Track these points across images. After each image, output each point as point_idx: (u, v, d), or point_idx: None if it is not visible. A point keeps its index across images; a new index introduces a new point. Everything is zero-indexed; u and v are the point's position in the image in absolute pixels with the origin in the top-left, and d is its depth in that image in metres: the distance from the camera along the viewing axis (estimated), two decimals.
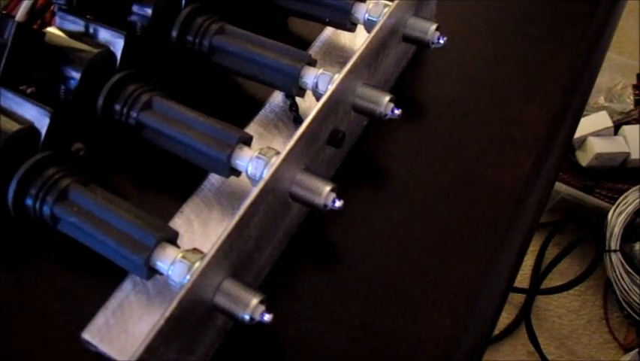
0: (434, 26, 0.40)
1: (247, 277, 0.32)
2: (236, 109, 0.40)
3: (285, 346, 0.33)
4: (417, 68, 0.45)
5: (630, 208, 1.11)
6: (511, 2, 0.49)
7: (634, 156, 1.16)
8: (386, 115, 0.37)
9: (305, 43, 0.43)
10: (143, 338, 0.26)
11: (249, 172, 0.33)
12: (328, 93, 0.34)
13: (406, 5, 0.40)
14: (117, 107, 0.35)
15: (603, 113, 1.20)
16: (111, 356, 0.31)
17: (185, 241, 0.34)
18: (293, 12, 0.43)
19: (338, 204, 0.33)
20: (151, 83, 0.37)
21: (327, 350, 0.33)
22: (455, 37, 0.45)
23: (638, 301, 1.08)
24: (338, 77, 0.35)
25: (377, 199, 0.38)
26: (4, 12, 0.40)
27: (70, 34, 0.37)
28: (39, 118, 0.34)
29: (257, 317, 0.29)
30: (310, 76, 0.37)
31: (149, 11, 0.38)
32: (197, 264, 0.29)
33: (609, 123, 1.18)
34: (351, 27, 0.41)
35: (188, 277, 0.29)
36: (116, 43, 0.37)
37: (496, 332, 1.14)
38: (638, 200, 1.11)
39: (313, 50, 0.43)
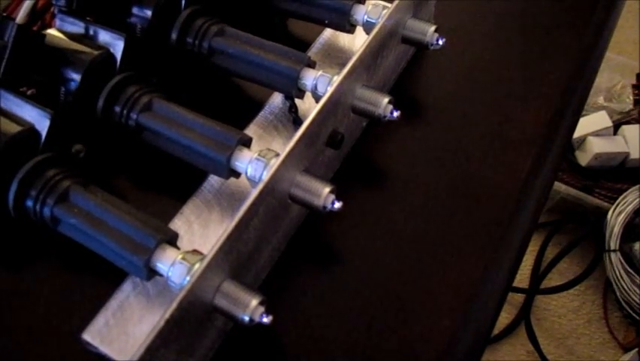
0: (433, 28, 0.40)
1: (247, 278, 0.33)
2: (235, 110, 0.40)
3: (284, 347, 0.33)
4: (416, 70, 0.45)
5: (630, 208, 1.11)
6: (510, 3, 0.49)
7: (633, 155, 1.16)
8: (385, 116, 0.37)
9: (304, 45, 0.43)
10: (143, 339, 0.26)
11: (248, 174, 0.33)
12: (327, 95, 0.34)
13: (404, 7, 0.40)
14: (117, 108, 0.36)
15: (602, 113, 1.20)
16: (111, 356, 0.31)
17: (184, 242, 0.34)
18: (292, 14, 0.43)
19: (337, 205, 0.33)
20: (151, 84, 0.37)
21: (327, 350, 0.33)
22: (454, 38, 0.45)
23: (637, 300, 1.08)
24: (337, 79, 0.35)
25: (376, 200, 0.38)
26: (4, 14, 0.40)
27: (71, 36, 0.37)
28: (39, 120, 0.34)
29: (256, 318, 0.29)
30: (309, 78, 0.37)
31: (148, 13, 0.38)
32: (197, 265, 0.29)
33: (608, 123, 1.18)
34: (350, 29, 0.41)
35: (188, 278, 0.29)
36: (116, 45, 0.37)
37: (496, 331, 1.14)
38: (637, 200, 1.12)
39: (312, 52, 0.43)
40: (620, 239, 1.11)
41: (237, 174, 0.34)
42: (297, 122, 0.40)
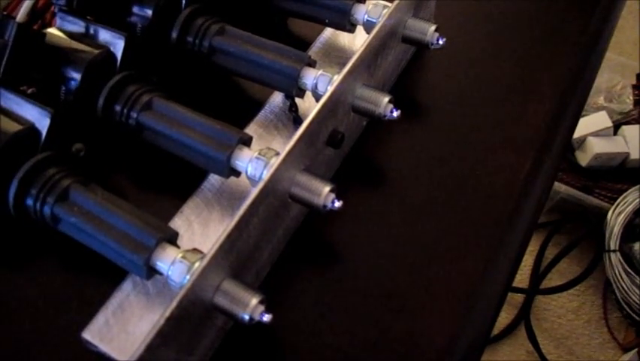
0: (433, 27, 0.40)
1: (247, 277, 0.33)
2: (235, 110, 0.40)
3: (284, 346, 0.33)
4: (416, 69, 0.45)
5: (629, 208, 1.11)
6: (511, 3, 0.49)
7: (633, 156, 1.16)
8: (385, 116, 0.37)
9: (304, 44, 0.43)
10: (144, 338, 0.26)
11: (248, 173, 0.33)
12: (328, 94, 0.34)
13: (405, 6, 0.40)
14: (117, 107, 0.36)
15: (602, 113, 1.20)
16: (111, 355, 0.31)
17: (185, 241, 0.34)
18: (292, 13, 0.43)
19: (337, 204, 0.33)
20: (151, 83, 0.37)
21: (327, 350, 0.33)
22: (454, 38, 0.45)
23: (637, 301, 1.08)
24: (337, 78, 0.35)
25: (376, 200, 0.38)
26: (4, 13, 0.40)
27: (71, 35, 0.37)
28: (39, 119, 0.34)
29: (256, 317, 0.29)
30: (310, 77, 0.37)
31: (149, 12, 0.38)
32: (197, 264, 0.29)
33: (608, 123, 1.18)
34: (350, 28, 0.41)
35: (188, 277, 0.29)
36: (117, 44, 0.37)
37: (496, 331, 1.14)
38: (637, 200, 1.11)
39: (313, 51, 0.43)
40: (620, 239, 1.11)
41: (237, 173, 0.34)
42: (298, 121, 0.40)
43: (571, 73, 0.45)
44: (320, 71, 0.37)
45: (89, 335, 0.31)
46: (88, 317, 0.31)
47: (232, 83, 0.43)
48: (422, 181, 0.39)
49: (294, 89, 0.37)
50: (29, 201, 0.32)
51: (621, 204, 1.13)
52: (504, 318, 1.15)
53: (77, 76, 0.35)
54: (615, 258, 1.10)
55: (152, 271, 0.30)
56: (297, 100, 0.39)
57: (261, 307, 0.29)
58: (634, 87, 1.23)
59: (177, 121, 0.35)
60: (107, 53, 0.36)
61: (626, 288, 1.09)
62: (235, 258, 0.30)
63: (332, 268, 0.36)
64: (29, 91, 0.36)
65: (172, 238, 0.31)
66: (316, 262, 0.36)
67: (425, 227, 0.37)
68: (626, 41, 1.38)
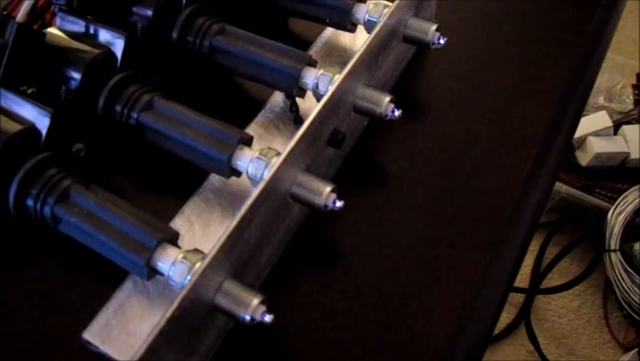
0: (434, 27, 0.40)
1: (248, 277, 0.33)
2: (236, 109, 0.40)
3: (285, 346, 0.33)
4: (417, 69, 0.45)
5: (630, 208, 1.11)
6: (511, 2, 0.49)
7: (633, 155, 1.16)
8: (386, 115, 0.37)
9: (305, 44, 0.43)
10: (144, 338, 0.26)
11: (249, 173, 0.33)
12: (329, 94, 0.34)
13: (406, 6, 0.40)
14: (118, 107, 0.35)
15: (603, 113, 1.20)
16: (112, 356, 0.31)
17: (185, 241, 0.34)
18: (293, 12, 0.43)
19: (338, 204, 0.33)
20: (152, 83, 0.37)
21: (327, 349, 0.33)
22: (455, 37, 0.45)
23: (637, 300, 1.08)
24: (338, 78, 0.35)
25: (377, 199, 0.38)
26: (4, 13, 0.40)
27: (71, 34, 0.37)
28: (40, 119, 0.34)
29: (257, 318, 0.29)
30: (311, 76, 0.37)
31: (149, 12, 0.38)
32: (197, 264, 0.29)
33: (609, 123, 1.18)
34: (351, 28, 0.41)
35: (188, 277, 0.29)
36: (117, 44, 0.37)
37: (496, 331, 1.14)
38: (637, 200, 1.11)
39: (313, 51, 0.43)
40: (620, 239, 1.11)
41: (238, 173, 0.34)
42: (298, 121, 0.39)
43: (572, 73, 0.45)
44: (321, 71, 0.37)
45: (89, 335, 0.31)
46: (88, 317, 0.31)
47: (233, 83, 0.43)
48: (423, 181, 0.39)
49: (294, 89, 0.37)
50: (29, 202, 0.32)
51: (621, 203, 1.12)
52: (504, 318, 1.15)
53: (77, 76, 0.35)
54: (615, 258, 1.10)
55: (152, 272, 0.30)
56: (298, 100, 0.39)
57: (262, 308, 0.29)
58: (634, 87, 1.23)
59: (178, 121, 0.35)
60: (107, 52, 0.36)
61: (626, 288, 1.09)
62: (236, 258, 0.30)
63: (332, 268, 0.36)
64: (29, 91, 0.36)
65: (173, 239, 0.31)
66: (317, 262, 0.36)
67: (426, 227, 0.37)
68: (626, 41, 1.38)
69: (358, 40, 0.44)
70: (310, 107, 0.38)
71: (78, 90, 0.35)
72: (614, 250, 1.11)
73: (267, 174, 0.31)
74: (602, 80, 1.23)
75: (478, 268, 0.35)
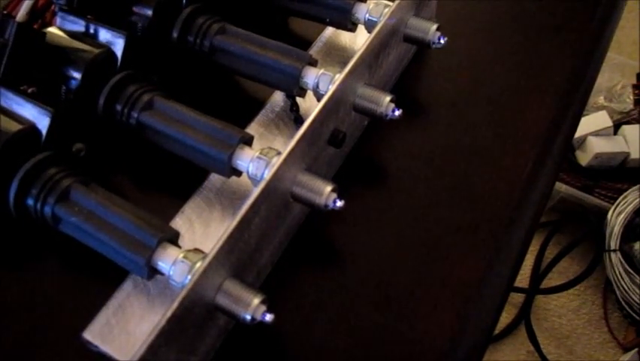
0: (435, 26, 0.40)
1: (248, 277, 0.33)
2: (237, 109, 0.40)
3: (285, 346, 0.33)
4: (417, 68, 0.45)
5: (630, 208, 1.11)
6: (512, 2, 0.49)
7: (634, 155, 1.16)
8: (387, 115, 0.37)
9: (305, 44, 0.43)
10: (145, 338, 0.26)
11: (250, 172, 0.33)
12: (329, 93, 0.34)
13: (406, 5, 0.40)
14: (118, 107, 0.35)
15: (603, 113, 1.20)
16: (112, 355, 0.31)
17: (186, 241, 0.34)
18: (294, 12, 0.43)
19: (339, 204, 0.33)
20: (152, 83, 0.37)
21: (328, 349, 0.33)
22: (456, 37, 0.45)
23: (637, 300, 1.08)
24: (339, 78, 0.35)
25: (378, 199, 0.38)
26: (4, 12, 0.40)
27: (71, 34, 0.37)
28: (40, 118, 0.34)
29: (258, 317, 0.29)
30: (311, 76, 0.37)
31: (149, 11, 0.38)
32: (198, 264, 0.29)
33: (609, 123, 1.18)
34: (351, 27, 0.41)
35: (189, 277, 0.29)
36: (117, 44, 0.37)
37: (496, 331, 1.14)
38: (637, 200, 1.11)
39: (314, 50, 0.43)
40: (620, 239, 1.11)
41: (239, 173, 0.34)
42: (299, 120, 0.39)
43: (572, 72, 0.45)
44: (321, 71, 0.37)
45: (89, 335, 0.31)
46: (88, 317, 0.31)
47: (233, 83, 0.43)
48: (423, 181, 0.39)
49: (295, 89, 0.37)
50: (30, 201, 0.32)
51: (621, 203, 1.13)
52: (504, 318, 1.15)
53: (78, 75, 0.35)
54: (615, 258, 1.10)
55: (153, 271, 0.30)
56: (298, 99, 0.39)
57: (263, 307, 0.29)
58: (634, 87, 1.23)
59: (178, 120, 0.35)
60: (107, 52, 0.36)
61: (626, 288, 1.09)
62: (236, 258, 0.30)
63: (333, 268, 0.36)
64: (30, 90, 0.36)
65: (173, 238, 0.31)
66: (317, 262, 0.36)
67: (426, 227, 0.37)
68: (626, 41, 1.38)
69: (359, 40, 0.44)
70: (311, 106, 0.38)
71: (78, 90, 0.35)
72: (614, 250, 1.11)
73: (268, 174, 0.31)
74: (602, 80, 1.23)
75: (478, 268, 0.35)
